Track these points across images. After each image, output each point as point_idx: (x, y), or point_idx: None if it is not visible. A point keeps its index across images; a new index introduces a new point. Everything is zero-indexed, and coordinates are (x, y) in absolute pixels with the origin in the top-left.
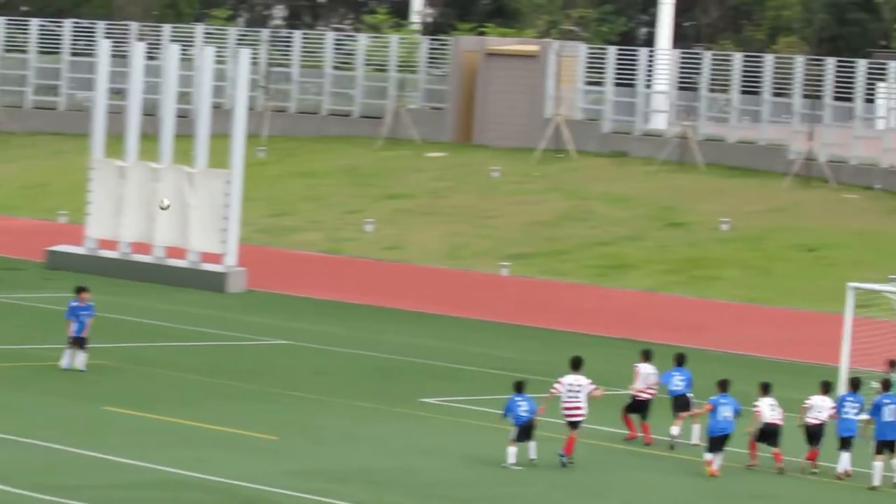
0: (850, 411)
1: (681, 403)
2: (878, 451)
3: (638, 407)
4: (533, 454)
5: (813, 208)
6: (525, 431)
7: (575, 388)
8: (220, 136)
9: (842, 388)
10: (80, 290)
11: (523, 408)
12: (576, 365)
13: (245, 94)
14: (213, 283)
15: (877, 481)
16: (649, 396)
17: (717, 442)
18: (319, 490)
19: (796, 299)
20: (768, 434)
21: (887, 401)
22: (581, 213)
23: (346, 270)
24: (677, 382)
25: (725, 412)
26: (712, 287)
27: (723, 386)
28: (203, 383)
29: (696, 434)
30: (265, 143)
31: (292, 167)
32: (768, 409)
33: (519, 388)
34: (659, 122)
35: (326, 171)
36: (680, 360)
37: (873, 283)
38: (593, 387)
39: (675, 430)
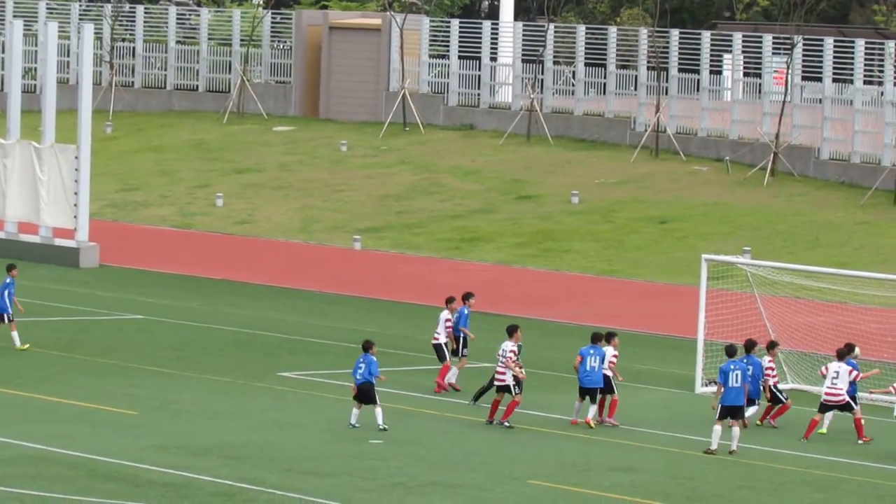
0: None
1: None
2: (721, 416)
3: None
4: (379, 420)
5: (662, 180)
6: (361, 394)
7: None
8: (67, 111)
9: (699, 358)
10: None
11: (360, 370)
12: (510, 332)
13: (90, 69)
14: (66, 258)
15: (714, 445)
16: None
17: (583, 392)
18: (180, 465)
19: (648, 271)
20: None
21: (733, 367)
22: (431, 187)
23: (199, 245)
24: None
25: (592, 362)
26: (564, 259)
27: (594, 339)
28: (60, 358)
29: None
30: (112, 118)
31: (140, 142)
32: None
33: (364, 347)
34: (505, 95)
35: (174, 145)
36: (465, 297)
37: (727, 255)
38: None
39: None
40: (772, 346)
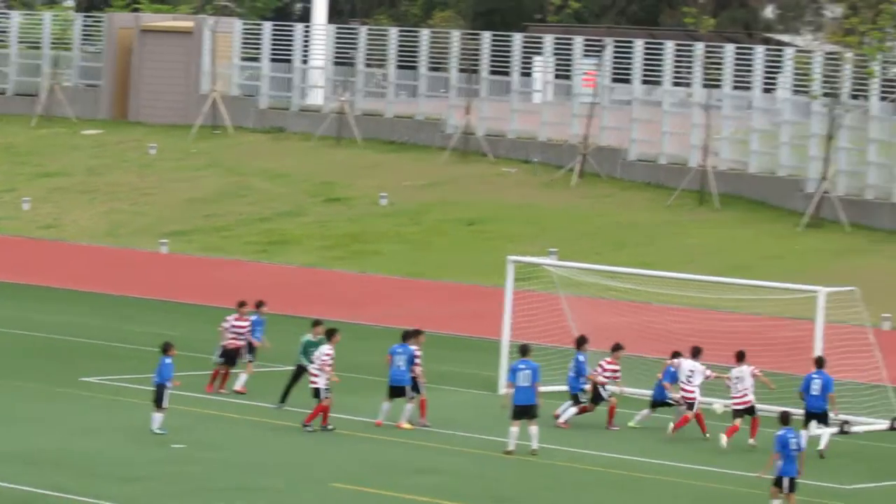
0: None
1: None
2: (514, 417)
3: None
4: (155, 425)
5: (471, 182)
6: (156, 396)
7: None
8: None
9: (504, 359)
10: None
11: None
12: (328, 336)
13: None
14: None
15: (511, 446)
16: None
17: (392, 391)
18: None
19: (455, 273)
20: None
21: (522, 366)
22: (240, 190)
23: (4, 249)
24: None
25: (399, 361)
26: (372, 262)
27: (404, 337)
28: None
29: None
30: None
31: None
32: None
33: (163, 350)
34: (316, 98)
35: None
36: (257, 305)
37: (532, 257)
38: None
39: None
40: (616, 347)
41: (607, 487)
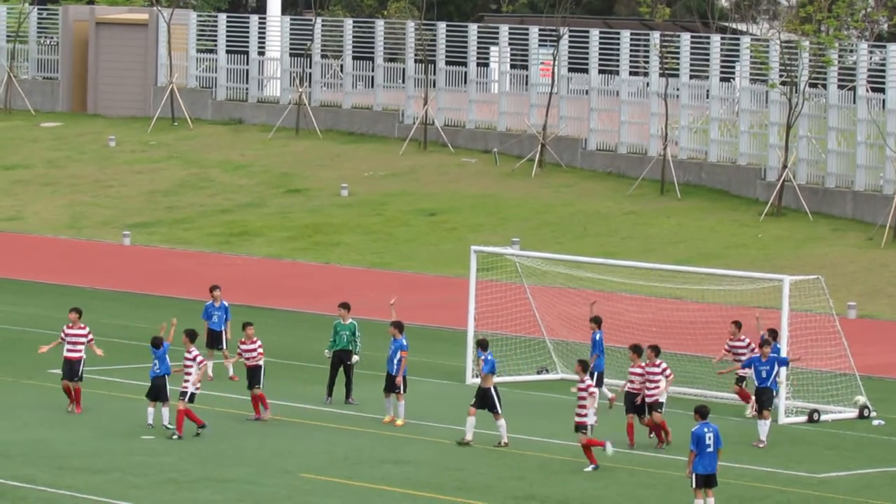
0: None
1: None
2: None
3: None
4: (165, 420)
5: (431, 173)
6: (154, 389)
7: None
8: None
9: (469, 349)
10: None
11: (156, 365)
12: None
13: None
14: None
15: (469, 436)
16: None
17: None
18: None
19: (418, 264)
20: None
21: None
22: (200, 181)
23: None
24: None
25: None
26: (335, 253)
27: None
28: None
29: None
30: None
31: None
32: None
33: (155, 344)
34: (273, 89)
35: None
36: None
37: (496, 247)
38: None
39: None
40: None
41: (576, 476)
